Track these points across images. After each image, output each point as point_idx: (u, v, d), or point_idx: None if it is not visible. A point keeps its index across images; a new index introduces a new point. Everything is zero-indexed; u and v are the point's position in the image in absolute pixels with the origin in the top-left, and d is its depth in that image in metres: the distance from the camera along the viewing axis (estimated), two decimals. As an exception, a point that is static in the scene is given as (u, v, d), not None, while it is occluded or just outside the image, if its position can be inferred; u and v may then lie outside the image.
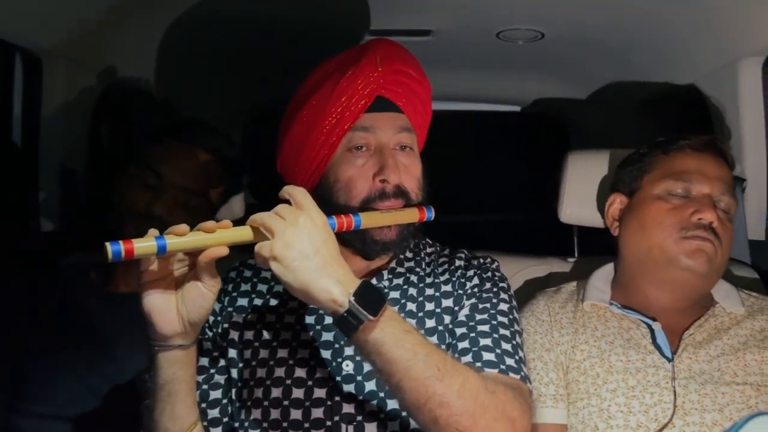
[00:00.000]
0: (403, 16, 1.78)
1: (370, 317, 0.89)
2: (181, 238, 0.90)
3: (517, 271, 1.60)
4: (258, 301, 1.20)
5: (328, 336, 1.13)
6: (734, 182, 1.38)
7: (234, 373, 1.16)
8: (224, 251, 0.92)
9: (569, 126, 2.61)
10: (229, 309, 1.20)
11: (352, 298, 0.88)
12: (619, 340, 1.27)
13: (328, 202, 1.14)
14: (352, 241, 1.15)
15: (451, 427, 0.91)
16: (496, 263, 1.24)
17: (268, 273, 1.23)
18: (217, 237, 0.92)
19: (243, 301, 1.21)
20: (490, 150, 3.13)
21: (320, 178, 1.18)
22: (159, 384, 0.99)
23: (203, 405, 1.14)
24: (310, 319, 1.16)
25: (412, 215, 1.13)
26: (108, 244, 0.84)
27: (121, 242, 0.85)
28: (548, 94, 2.38)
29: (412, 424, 1.06)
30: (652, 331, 1.27)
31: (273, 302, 1.20)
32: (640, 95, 2.12)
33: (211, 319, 1.20)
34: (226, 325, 1.19)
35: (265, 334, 1.16)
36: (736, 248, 1.56)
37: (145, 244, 0.87)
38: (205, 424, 1.13)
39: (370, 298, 0.90)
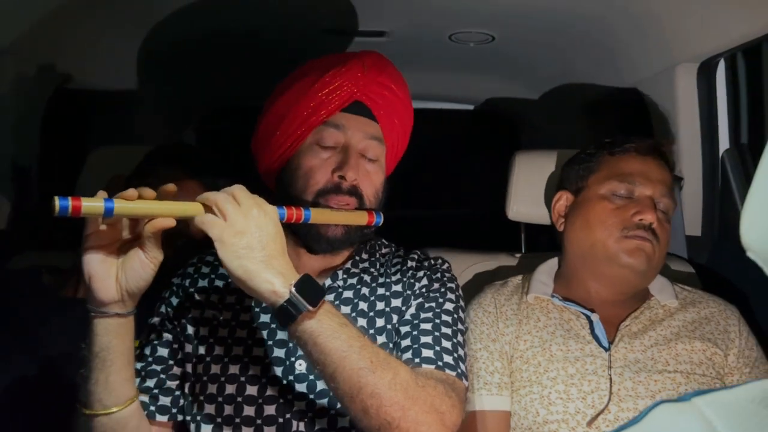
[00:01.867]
0: (359, 18, 1.81)
1: (309, 307, 0.92)
2: (129, 203, 0.90)
3: (468, 266, 1.65)
4: (214, 297, 1.22)
5: (282, 335, 1.16)
6: (673, 182, 1.45)
7: (188, 367, 1.18)
8: (171, 223, 0.93)
9: (519, 125, 2.69)
10: (186, 305, 1.22)
11: (293, 289, 0.91)
12: (560, 330, 1.33)
13: (287, 188, 1.17)
14: (297, 232, 1.18)
15: (381, 417, 0.94)
16: (447, 264, 1.28)
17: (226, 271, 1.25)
18: (167, 208, 0.93)
19: (200, 297, 1.22)
20: (443, 148, 3.19)
21: (286, 162, 1.21)
22: (94, 351, 1.00)
23: (155, 390, 1.16)
24: (264, 318, 1.18)
25: (360, 218, 1.17)
26: (56, 198, 0.84)
27: (69, 198, 0.85)
28: (499, 94, 2.44)
29: None
30: (590, 323, 1.33)
31: (229, 299, 1.22)
32: (586, 97, 2.20)
33: (171, 312, 1.22)
34: (183, 320, 1.20)
35: (221, 331, 1.18)
36: (674, 243, 1.64)
37: (93, 204, 0.87)
38: (153, 408, 1.15)
39: (310, 290, 0.93)
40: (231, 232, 0.91)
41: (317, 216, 1.11)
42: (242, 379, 1.13)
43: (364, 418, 0.96)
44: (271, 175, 1.26)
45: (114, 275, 0.97)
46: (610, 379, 1.26)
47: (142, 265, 0.96)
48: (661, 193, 1.36)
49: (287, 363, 1.14)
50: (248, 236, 0.91)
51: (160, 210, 0.93)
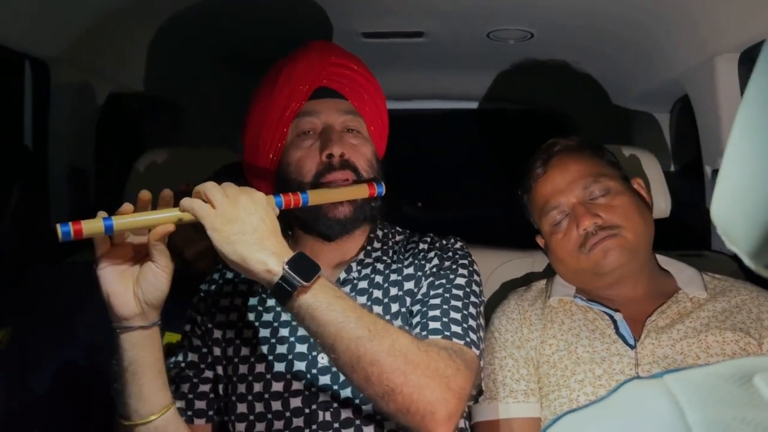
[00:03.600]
0: (395, 19, 1.83)
1: (303, 282, 0.94)
2: (127, 218, 0.94)
3: (503, 262, 1.65)
4: (238, 301, 1.26)
5: (303, 331, 1.17)
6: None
7: (220, 370, 1.22)
8: (170, 228, 0.97)
9: (559, 123, 2.67)
10: (212, 310, 1.26)
11: (286, 266, 0.94)
12: (585, 331, 1.31)
13: (285, 185, 1.20)
14: (311, 224, 1.21)
15: (383, 384, 0.95)
16: (459, 243, 1.28)
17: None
18: (163, 216, 0.97)
19: (225, 302, 1.26)
20: (481, 147, 3.19)
21: (277, 166, 1.25)
22: (123, 366, 1.03)
23: (190, 396, 1.20)
24: (285, 316, 1.21)
25: (361, 191, 1.18)
26: (58, 226, 0.89)
27: (70, 223, 0.90)
28: (539, 92, 2.43)
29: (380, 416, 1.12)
30: (614, 321, 1.31)
31: (252, 301, 1.25)
32: (630, 91, 2.18)
33: (198, 318, 1.26)
34: (210, 325, 1.24)
35: (245, 332, 1.22)
36: (717, 239, 1.62)
37: (93, 224, 0.91)
38: (190, 413, 1.19)
39: (304, 266, 0.95)
40: (222, 219, 0.94)
41: (316, 197, 1.13)
42: (268, 376, 1.17)
43: (367, 387, 0.97)
44: (269, 185, 1.27)
45: (131, 290, 1.01)
46: (638, 377, 1.23)
47: (155, 275, 1.00)
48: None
49: (310, 357, 1.17)
50: (239, 222, 0.95)
51: (158, 218, 0.97)
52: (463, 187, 3.34)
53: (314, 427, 1.13)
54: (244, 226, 0.95)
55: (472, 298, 1.18)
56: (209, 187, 0.97)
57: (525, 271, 1.64)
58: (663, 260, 1.42)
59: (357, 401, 1.14)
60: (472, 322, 1.14)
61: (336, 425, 1.13)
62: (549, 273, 1.47)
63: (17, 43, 1.54)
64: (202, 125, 2.38)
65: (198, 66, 2.08)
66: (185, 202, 0.97)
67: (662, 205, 1.63)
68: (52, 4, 1.49)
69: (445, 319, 1.12)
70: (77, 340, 1.47)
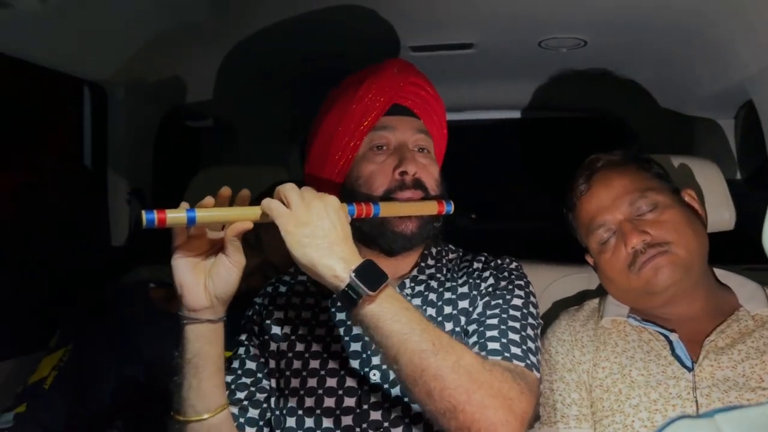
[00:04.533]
0: (444, 32, 1.82)
1: (369, 292, 0.94)
2: (209, 211, 0.97)
3: (557, 278, 1.61)
4: (292, 314, 1.28)
5: (356, 346, 1.20)
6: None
7: (273, 382, 1.23)
8: (248, 225, 1.00)
9: (616, 130, 2.59)
10: (267, 322, 1.28)
11: (353, 274, 0.95)
12: (640, 353, 1.26)
13: (353, 198, 1.20)
14: (375, 237, 1.21)
15: (444, 400, 0.94)
16: (515, 263, 1.27)
17: (302, 287, 1.32)
18: (243, 212, 0.99)
19: (279, 314, 1.28)
20: (534, 157, 3.13)
21: (345, 176, 1.26)
22: (186, 358, 1.06)
23: (245, 402, 1.21)
24: (341, 316, 1.22)
25: (431, 207, 1.18)
26: (143, 212, 0.92)
27: (155, 211, 0.92)
28: (593, 99, 2.37)
29: (435, 426, 1.09)
30: (670, 342, 1.26)
31: (305, 314, 1.27)
32: (690, 97, 2.09)
33: (255, 329, 1.28)
34: (265, 337, 1.26)
35: (299, 346, 1.23)
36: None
37: (176, 215, 0.94)
38: (242, 420, 1.20)
39: (371, 275, 0.96)
40: (295, 222, 0.96)
41: (387, 209, 1.14)
42: (322, 372, 1.18)
43: (428, 402, 0.96)
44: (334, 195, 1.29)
45: (203, 283, 1.04)
46: (696, 401, 1.17)
47: (227, 270, 1.03)
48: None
49: (363, 356, 1.18)
50: (311, 225, 0.96)
51: (237, 215, 0.99)
52: (516, 198, 3.29)
53: (364, 426, 1.13)
54: (316, 230, 0.96)
55: (530, 320, 1.16)
56: (288, 189, 0.99)
57: (579, 288, 1.59)
58: (722, 275, 1.35)
59: (407, 420, 1.13)
60: (530, 344, 1.12)
61: (386, 424, 1.13)
62: (603, 291, 1.43)
63: (75, 68, 1.60)
64: (256, 143, 2.41)
65: (251, 85, 2.11)
66: (265, 201, 0.99)
67: (726, 216, 1.55)
68: (106, 30, 1.53)
69: (503, 340, 1.10)
70: (135, 357, 1.50)
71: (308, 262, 0.96)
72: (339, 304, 1.19)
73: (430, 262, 1.29)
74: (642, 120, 2.40)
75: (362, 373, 1.17)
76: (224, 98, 2.09)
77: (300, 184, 1.55)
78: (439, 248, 1.33)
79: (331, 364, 1.19)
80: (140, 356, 1.49)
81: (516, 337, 1.11)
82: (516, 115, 2.48)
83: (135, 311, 1.57)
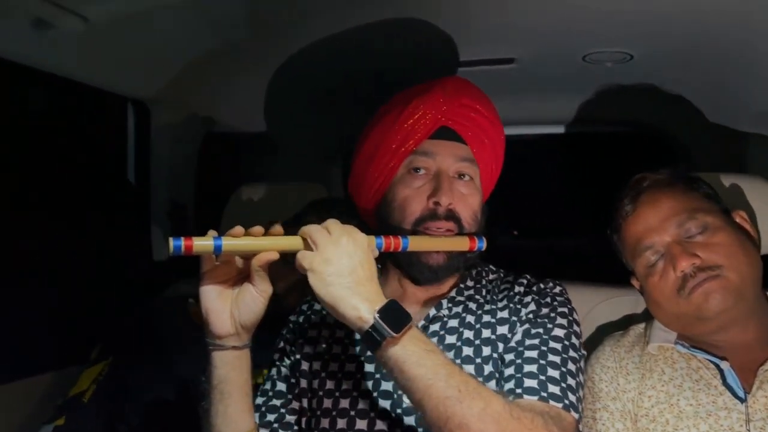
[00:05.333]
0: (485, 46, 1.79)
1: (393, 334, 0.92)
2: (236, 240, 0.96)
3: (602, 300, 1.55)
4: (326, 333, 1.26)
5: (387, 386, 1.16)
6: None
7: (305, 402, 1.21)
8: (275, 256, 0.99)
9: (664, 146, 2.51)
10: (300, 341, 1.26)
11: (377, 315, 0.92)
12: (688, 382, 1.20)
13: (385, 220, 1.20)
14: (402, 265, 1.19)
15: None
16: (558, 288, 1.22)
17: None
18: (270, 243, 0.99)
19: (313, 333, 1.26)
20: (578, 173, 3.06)
21: (381, 197, 1.23)
22: (213, 384, 1.06)
23: (276, 425, 1.20)
24: (375, 358, 1.19)
25: (462, 243, 1.15)
26: (171, 239, 0.92)
27: (182, 238, 0.93)
28: (640, 114, 2.30)
29: None
30: (721, 371, 1.19)
31: (339, 333, 1.25)
32: (743, 112, 2.02)
33: (287, 348, 1.27)
34: (298, 356, 1.25)
35: (331, 365, 1.21)
36: None
37: (203, 242, 0.94)
38: None
39: (395, 316, 0.93)
40: (320, 260, 0.95)
41: (416, 243, 1.11)
42: (352, 413, 1.15)
43: None
44: (369, 213, 1.28)
45: (229, 310, 1.04)
46: None
47: (253, 299, 1.02)
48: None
49: (395, 396, 1.14)
50: (336, 263, 0.94)
51: (265, 245, 0.99)
52: (558, 215, 3.22)
53: None
54: (341, 268, 0.95)
55: (571, 353, 1.11)
56: (314, 229, 0.98)
57: (625, 312, 1.53)
58: None
59: None
60: (571, 381, 1.07)
61: None
62: (650, 315, 1.37)
63: (119, 87, 1.63)
64: (298, 161, 2.42)
65: (294, 103, 2.12)
66: (299, 255, 0.98)
67: None
68: (149, 49, 1.56)
69: (542, 377, 1.05)
70: (173, 374, 1.50)
71: (332, 301, 0.95)
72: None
73: (469, 282, 1.26)
74: (691, 136, 2.32)
75: (393, 414, 1.14)
76: (267, 116, 2.10)
77: (339, 203, 1.55)
78: (479, 268, 1.29)
79: (362, 404, 1.16)
80: (178, 373, 1.50)
81: (555, 373, 1.06)
82: (559, 130, 2.42)
83: (174, 327, 1.58)
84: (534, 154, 2.96)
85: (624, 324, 1.46)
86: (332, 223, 0.99)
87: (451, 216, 1.17)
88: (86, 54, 1.45)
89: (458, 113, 1.22)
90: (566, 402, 1.04)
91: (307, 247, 0.98)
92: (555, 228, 3.29)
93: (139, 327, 1.61)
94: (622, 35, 1.69)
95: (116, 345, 1.59)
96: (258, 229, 0.99)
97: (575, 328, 1.16)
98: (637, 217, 1.30)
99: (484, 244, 1.17)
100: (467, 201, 1.20)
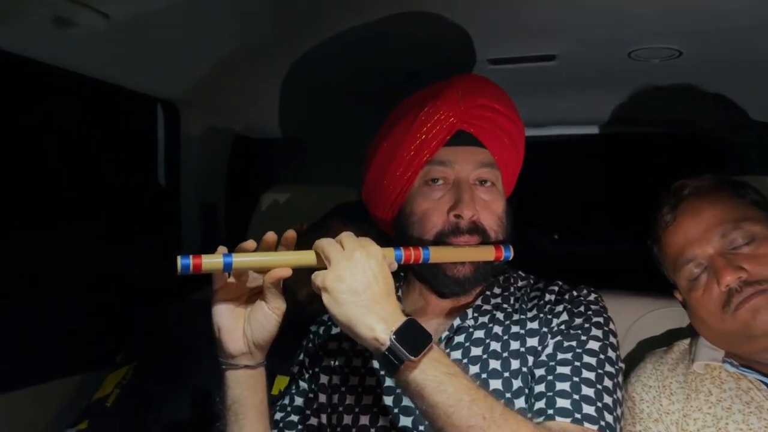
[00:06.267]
0: (525, 43, 1.71)
1: (411, 357, 0.85)
2: (247, 257, 0.93)
3: (645, 312, 1.46)
4: (346, 345, 1.20)
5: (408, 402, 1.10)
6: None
7: (324, 418, 1.16)
8: (287, 272, 0.95)
9: (714, 148, 2.39)
10: (320, 353, 1.21)
11: (393, 337, 0.86)
12: (738, 404, 1.11)
13: (404, 234, 1.13)
14: (425, 277, 1.13)
15: None
16: (593, 295, 1.14)
17: None
18: (282, 259, 0.95)
19: (332, 345, 1.21)
20: (621, 175, 2.95)
21: (398, 209, 1.17)
22: (227, 405, 1.02)
23: None
24: (394, 381, 1.13)
25: (487, 253, 1.09)
26: (179, 258, 0.89)
27: (191, 256, 0.90)
28: (688, 114, 2.19)
29: None
30: None
31: (360, 346, 1.18)
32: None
33: (307, 361, 1.22)
34: (317, 369, 1.20)
35: (351, 380, 1.16)
36: None
37: (212, 260, 0.91)
38: None
39: (413, 338, 0.87)
40: (333, 277, 0.89)
41: (438, 255, 1.05)
42: (372, 430, 1.10)
43: None
44: (387, 224, 1.22)
45: (241, 328, 0.99)
46: None
47: (266, 316, 0.98)
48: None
49: (416, 413, 1.07)
50: (349, 281, 0.88)
51: (276, 261, 0.95)
52: (601, 219, 3.11)
53: None
54: (355, 285, 0.89)
55: (608, 368, 1.03)
56: (326, 243, 0.92)
57: (670, 326, 1.43)
58: None
59: None
60: (607, 399, 0.99)
61: None
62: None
63: (148, 87, 1.61)
64: (328, 162, 2.38)
65: (324, 104, 2.09)
66: (313, 276, 0.93)
67: None
68: (178, 48, 1.53)
69: (575, 396, 0.98)
70: (198, 380, 1.47)
71: (346, 320, 0.88)
72: None
73: (497, 290, 1.19)
74: (741, 138, 2.20)
75: (417, 412, 1.07)
76: (297, 116, 2.07)
77: (365, 207, 1.49)
78: (507, 275, 1.22)
79: (382, 422, 1.10)
80: (201, 379, 1.46)
81: (590, 392, 0.98)
82: (601, 130, 2.32)
83: (200, 332, 1.55)
84: (574, 156, 2.86)
85: (668, 339, 1.37)
86: (346, 236, 0.93)
87: (475, 229, 1.11)
88: (111, 53, 1.44)
89: (475, 115, 1.15)
90: (602, 423, 0.96)
91: (321, 262, 0.93)
92: (598, 234, 3.18)
93: (164, 332, 1.59)
94: (671, 30, 1.60)
95: (140, 349, 1.57)
96: (271, 237, 0.95)
97: (611, 339, 1.08)
98: (677, 228, 1.22)
99: (511, 254, 1.10)
100: (490, 208, 1.13)
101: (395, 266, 0.97)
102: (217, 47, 1.58)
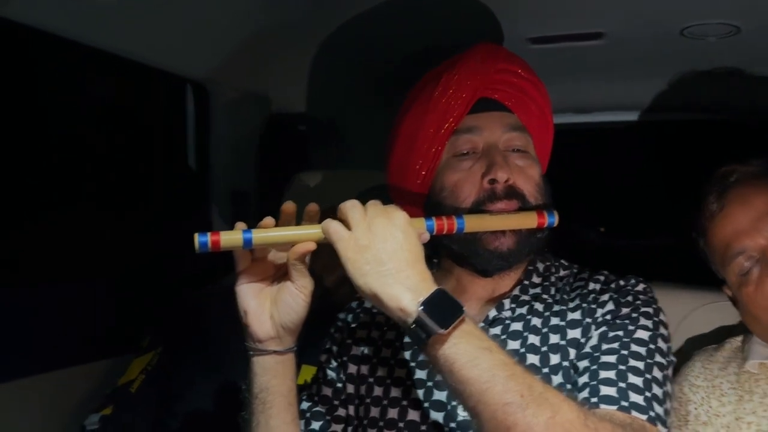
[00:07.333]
0: (569, 20, 1.63)
1: (440, 330, 0.79)
2: (267, 232, 0.89)
3: (698, 306, 1.37)
4: (375, 333, 1.15)
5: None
6: None
7: (351, 410, 1.11)
8: (312, 246, 0.89)
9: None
10: (348, 341, 1.16)
11: (421, 308, 0.79)
12: None
13: (438, 212, 1.05)
14: (466, 256, 1.06)
15: None
16: (642, 285, 1.05)
17: None
18: (305, 233, 0.89)
19: (361, 333, 1.16)
20: (674, 164, 2.82)
21: (429, 187, 1.11)
22: (253, 393, 0.98)
23: None
24: (423, 356, 1.08)
25: (529, 219, 1.01)
26: (196, 235, 0.85)
27: (209, 233, 0.86)
28: (747, 99, 2.06)
29: None
30: None
31: (389, 335, 1.14)
32: None
33: (334, 349, 1.17)
34: (345, 358, 1.15)
35: (380, 371, 1.10)
36: None
37: (231, 236, 0.87)
38: None
39: (443, 309, 0.80)
40: (355, 245, 0.83)
41: (474, 223, 0.98)
42: (401, 424, 1.04)
43: None
44: (416, 211, 1.12)
45: (268, 311, 0.94)
46: None
47: (293, 296, 0.93)
48: None
49: (448, 407, 1.01)
50: (373, 249, 0.82)
51: (299, 235, 0.89)
52: (652, 211, 2.98)
53: None
54: (379, 253, 0.82)
55: (657, 358, 0.95)
56: (349, 206, 0.87)
57: (722, 321, 1.34)
58: None
59: None
60: (657, 390, 0.91)
61: None
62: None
63: (177, 67, 1.58)
64: (361, 146, 2.34)
65: (356, 86, 2.04)
66: (325, 222, 0.88)
67: None
68: (205, 25, 1.50)
69: (622, 385, 0.90)
70: (225, 366, 1.44)
71: (370, 292, 0.82)
72: None
73: (536, 279, 1.11)
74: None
75: (447, 429, 1.02)
76: (329, 99, 2.03)
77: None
78: (548, 263, 1.14)
79: (411, 415, 1.04)
80: (228, 365, 1.43)
81: (638, 380, 0.91)
82: (652, 116, 2.21)
83: (227, 318, 1.52)
84: (621, 143, 2.76)
85: (719, 336, 1.29)
86: (371, 203, 0.87)
87: (512, 193, 1.03)
88: (138, 31, 1.41)
89: (496, 79, 1.09)
90: (651, 414, 0.88)
91: None
92: (648, 226, 3.05)
93: (191, 317, 1.57)
94: (728, 4, 1.50)
95: (166, 335, 1.55)
96: (289, 207, 0.90)
97: (662, 330, 1.00)
98: (724, 218, 1.14)
99: (555, 219, 1.02)
100: (527, 173, 1.06)
101: (427, 237, 0.90)
102: (246, 24, 1.55)
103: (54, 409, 1.52)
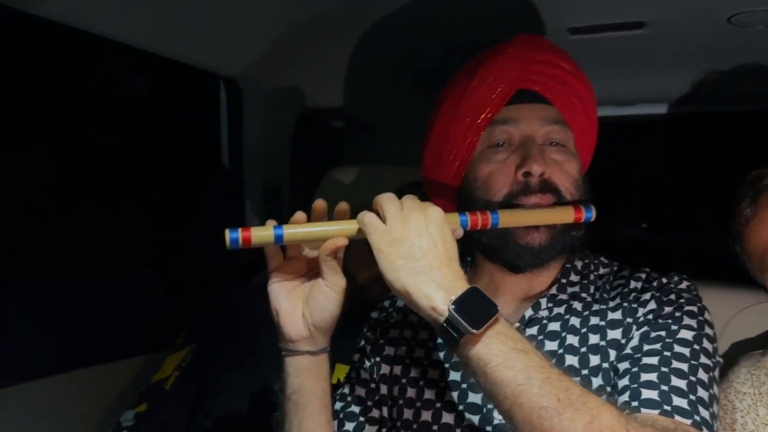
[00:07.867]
0: (610, 9, 1.58)
1: (472, 330, 0.76)
2: (299, 228, 0.87)
3: (744, 307, 1.31)
4: (408, 333, 1.12)
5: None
6: None
7: (384, 411, 1.09)
8: (344, 242, 0.87)
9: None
10: (381, 341, 1.14)
11: (452, 307, 0.76)
12: None
13: (470, 204, 1.02)
14: (496, 251, 1.02)
15: None
16: (685, 283, 1.00)
17: None
18: (337, 228, 0.88)
19: (394, 333, 1.14)
20: (720, 158, 2.73)
21: (462, 179, 1.07)
22: (286, 394, 0.96)
23: None
24: (456, 357, 1.05)
25: (564, 215, 0.97)
26: (227, 231, 0.85)
27: (239, 229, 0.85)
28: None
29: None
30: None
31: (422, 335, 1.11)
32: None
33: (368, 348, 1.15)
34: (377, 358, 1.13)
35: (413, 372, 1.07)
36: None
37: (262, 233, 0.86)
38: None
39: (476, 308, 0.77)
40: (389, 239, 0.81)
41: (508, 218, 0.94)
42: (435, 427, 1.01)
43: None
44: (449, 206, 1.09)
45: (300, 310, 0.93)
46: None
47: (325, 294, 0.91)
48: None
49: (484, 411, 0.98)
50: (407, 244, 0.80)
51: (331, 231, 0.87)
52: (697, 207, 2.89)
53: None
54: (413, 249, 0.81)
55: (703, 359, 0.90)
56: (385, 199, 0.85)
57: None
58: None
59: None
60: (702, 393, 0.87)
61: None
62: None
63: (210, 63, 1.58)
64: (394, 142, 2.31)
65: (390, 82, 2.01)
66: (361, 215, 0.86)
67: None
68: (242, 24, 1.49)
69: (664, 388, 0.86)
70: (259, 365, 1.43)
71: (402, 288, 0.80)
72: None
73: (574, 278, 1.07)
74: None
75: (485, 410, 0.98)
76: (362, 94, 2.00)
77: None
78: (587, 261, 1.10)
79: (446, 419, 1.01)
80: (263, 366, 1.42)
81: (682, 383, 0.86)
82: (697, 108, 2.13)
83: (261, 316, 1.51)
84: (666, 137, 2.67)
85: (765, 340, 1.23)
86: (407, 197, 0.85)
87: (547, 187, 0.99)
88: (170, 27, 1.40)
89: (537, 71, 1.05)
90: (696, 418, 0.84)
91: None
92: (693, 223, 2.96)
93: (225, 314, 1.56)
94: (780, -11, 1.42)
95: (201, 331, 1.54)
96: (320, 205, 0.88)
97: (707, 330, 0.95)
98: (759, 223, 1.11)
99: (593, 214, 0.98)
100: (563, 168, 1.02)
101: (461, 233, 0.88)
102: (281, 21, 1.54)
103: (91, 405, 1.53)
